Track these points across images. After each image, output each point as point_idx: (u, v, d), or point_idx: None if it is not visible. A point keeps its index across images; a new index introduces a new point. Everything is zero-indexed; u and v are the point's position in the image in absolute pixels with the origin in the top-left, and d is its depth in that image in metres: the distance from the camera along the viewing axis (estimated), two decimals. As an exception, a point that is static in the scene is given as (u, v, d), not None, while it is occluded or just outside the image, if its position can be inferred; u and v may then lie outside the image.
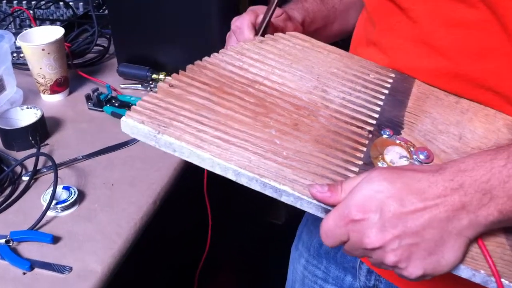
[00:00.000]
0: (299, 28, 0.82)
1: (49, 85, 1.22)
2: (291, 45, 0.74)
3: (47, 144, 1.10)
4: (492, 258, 0.54)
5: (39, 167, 1.02)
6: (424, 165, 0.58)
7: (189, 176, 1.05)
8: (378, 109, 0.67)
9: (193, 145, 0.58)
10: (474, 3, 0.64)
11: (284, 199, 0.57)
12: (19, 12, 1.54)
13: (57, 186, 0.93)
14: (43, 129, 1.10)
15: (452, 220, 0.53)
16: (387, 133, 0.64)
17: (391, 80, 0.71)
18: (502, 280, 0.54)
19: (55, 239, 0.86)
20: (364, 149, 0.62)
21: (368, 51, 0.77)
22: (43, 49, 1.16)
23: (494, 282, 0.54)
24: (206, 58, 0.70)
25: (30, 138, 1.06)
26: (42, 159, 1.04)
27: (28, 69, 1.24)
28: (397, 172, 0.54)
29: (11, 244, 0.84)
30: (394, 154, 0.62)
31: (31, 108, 1.11)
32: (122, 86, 1.29)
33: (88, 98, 1.22)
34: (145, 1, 1.23)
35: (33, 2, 1.58)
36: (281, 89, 0.67)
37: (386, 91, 0.70)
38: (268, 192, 0.57)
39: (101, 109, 1.19)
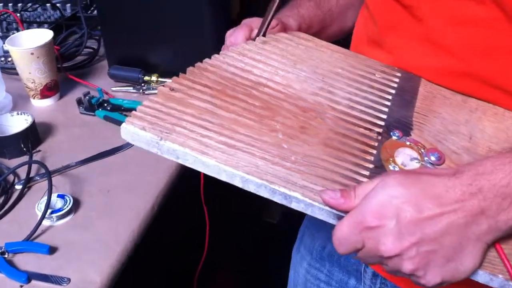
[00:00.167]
0: None
1: (39, 89, 1.19)
2: (294, 45, 0.72)
3: (39, 151, 1.07)
4: (510, 262, 0.53)
5: (32, 174, 0.99)
6: (440, 169, 0.56)
7: (185, 179, 1.03)
8: (386, 109, 0.65)
9: (198, 152, 0.56)
10: (483, 0, 0.62)
11: (294, 205, 0.55)
12: (5, 15, 1.51)
13: (52, 195, 0.91)
14: (34, 135, 1.07)
15: (471, 226, 0.51)
16: (397, 134, 0.62)
17: (397, 80, 0.70)
18: (521, 284, 0.53)
19: (52, 250, 0.84)
20: (374, 151, 0.60)
21: (372, 50, 0.75)
22: (32, 53, 1.13)
23: None
24: (206, 59, 0.67)
25: (22, 145, 1.03)
26: (34, 166, 1.01)
27: (16, 74, 1.21)
28: (413, 177, 0.53)
29: (6, 256, 0.82)
30: (405, 156, 0.60)
31: (21, 114, 1.08)
32: (113, 89, 1.26)
33: (79, 102, 1.19)
34: (135, 2, 1.20)
35: (19, 5, 1.55)
36: (286, 90, 0.65)
37: (393, 91, 0.68)
38: (277, 199, 0.55)
39: (93, 113, 1.17)
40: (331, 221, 0.56)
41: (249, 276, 1.92)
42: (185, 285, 1.44)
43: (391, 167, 0.59)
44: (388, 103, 0.66)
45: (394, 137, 0.62)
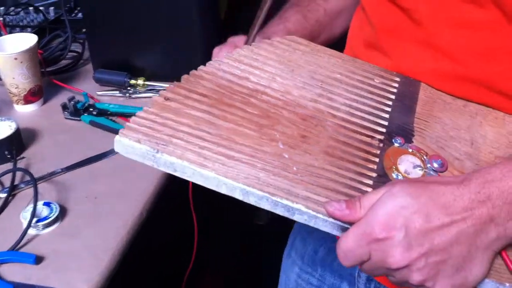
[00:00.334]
0: None
1: (22, 95, 1.16)
2: (291, 50, 0.71)
3: (23, 158, 1.04)
4: None
5: (16, 182, 0.96)
6: (447, 177, 0.55)
7: (174, 183, 1.01)
8: (387, 116, 0.64)
9: (196, 164, 0.54)
10: (483, 3, 0.61)
11: (296, 217, 0.54)
12: (-13, 19, 1.47)
13: (37, 202, 0.88)
14: (18, 142, 1.04)
15: (480, 234, 0.51)
16: (399, 141, 0.61)
17: (396, 85, 0.68)
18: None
19: (38, 259, 0.81)
20: (377, 159, 0.59)
21: (369, 53, 0.74)
22: (15, 58, 1.10)
23: None
24: (201, 67, 0.65)
25: (6, 152, 1.01)
26: (19, 173, 0.98)
27: (-1, 79, 1.18)
28: (420, 186, 0.52)
29: (-9, 267, 0.80)
30: (408, 164, 0.59)
31: (5, 120, 1.05)
32: (98, 93, 1.23)
33: (64, 107, 1.16)
34: (121, 3, 1.18)
35: (1, 8, 1.52)
36: (284, 97, 0.63)
37: (393, 96, 0.67)
38: (279, 211, 0.54)
39: (78, 118, 1.14)
40: (335, 232, 0.54)
41: (239, 279, 1.91)
42: (174, 290, 1.42)
43: (394, 176, 0.58)
44: (389, 109, 0.65)
45: (396, 144, 0.61)
